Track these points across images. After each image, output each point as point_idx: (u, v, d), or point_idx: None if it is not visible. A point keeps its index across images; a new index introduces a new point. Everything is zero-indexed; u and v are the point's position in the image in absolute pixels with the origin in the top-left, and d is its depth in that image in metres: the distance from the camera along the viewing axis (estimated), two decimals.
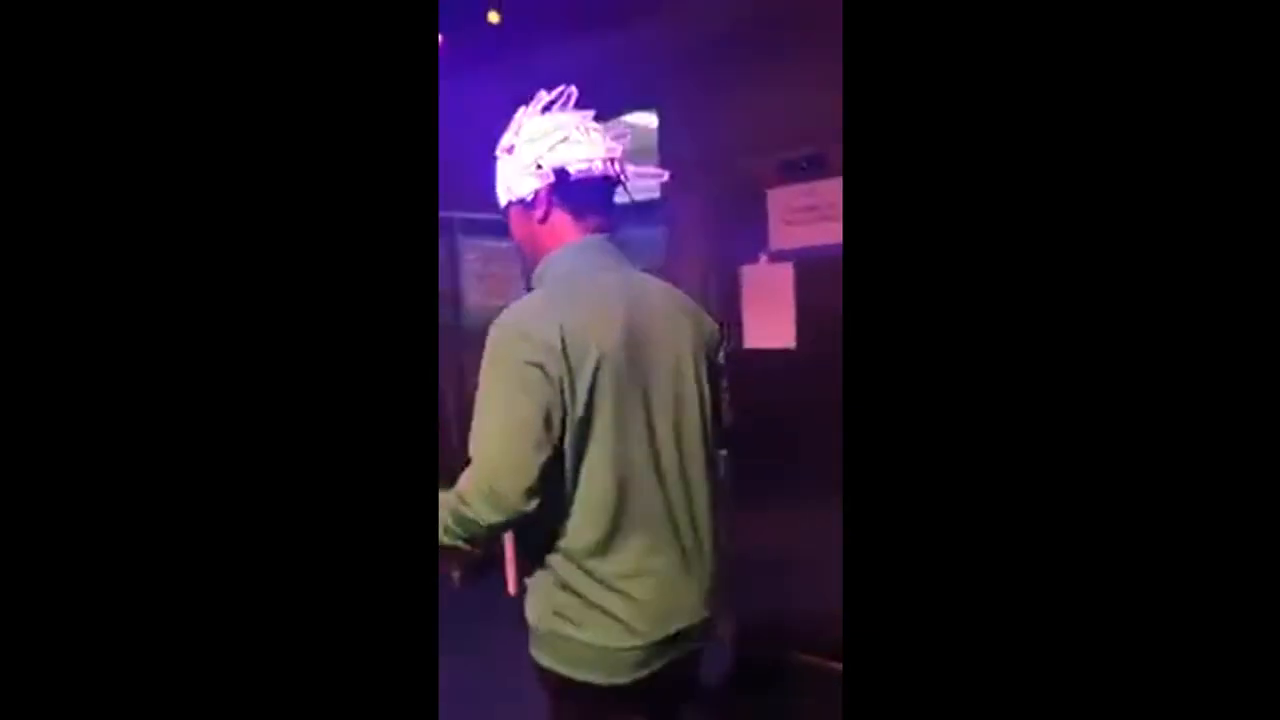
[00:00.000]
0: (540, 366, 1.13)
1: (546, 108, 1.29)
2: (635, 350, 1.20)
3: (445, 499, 1.15)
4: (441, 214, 3.47)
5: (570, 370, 1.14)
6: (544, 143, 1.24)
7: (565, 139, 1.24)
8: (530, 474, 1.11)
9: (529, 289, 1.29)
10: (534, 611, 1.26)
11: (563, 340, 1.14)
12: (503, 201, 1.33)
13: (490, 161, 1.35)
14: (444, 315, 3.54)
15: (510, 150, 1.28)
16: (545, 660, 1.25)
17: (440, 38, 3.50)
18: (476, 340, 1.23)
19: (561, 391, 1.14)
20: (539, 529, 1.20)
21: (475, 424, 1.15)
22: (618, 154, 1.29)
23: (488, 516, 1.12)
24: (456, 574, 3.61)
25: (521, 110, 1.30)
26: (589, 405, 1.16)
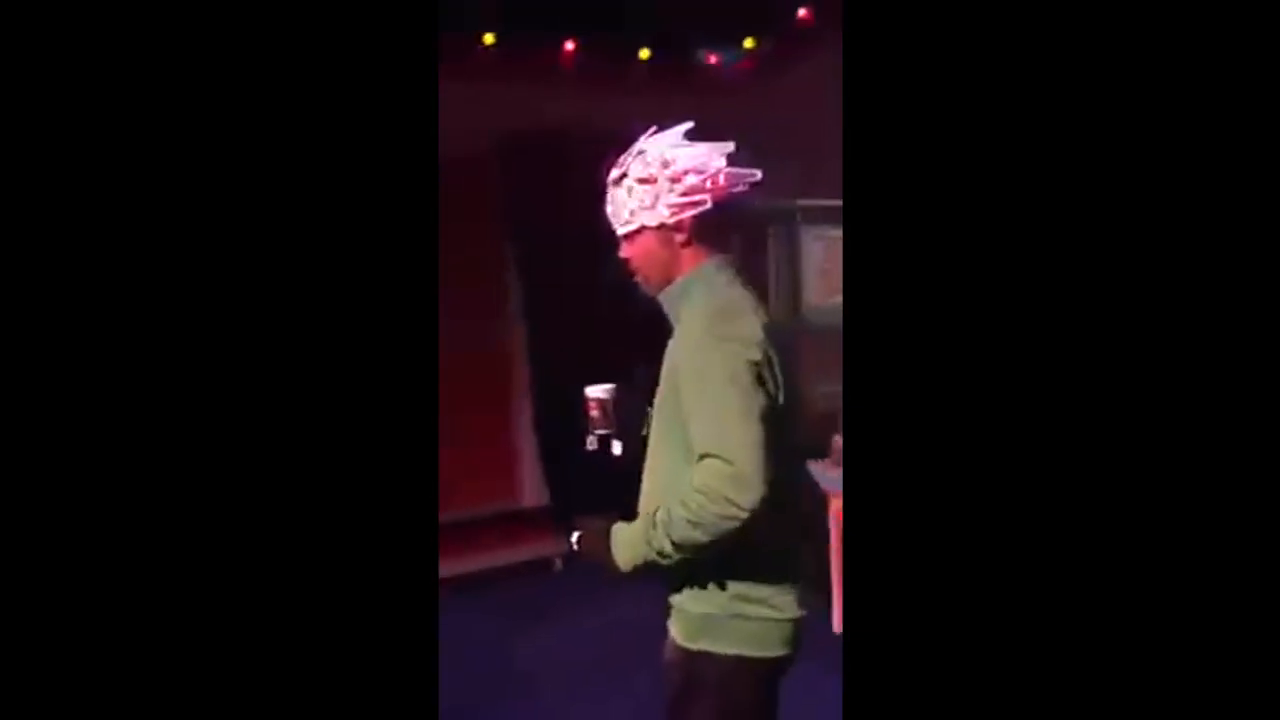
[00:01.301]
0: (759, 365, 1.27)
1: (688, 137, 1.40)
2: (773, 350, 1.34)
3: (673, 514, 1.24)
4: (783, 202, 3.17)
5: (770, 367, 1.29)
6: (701, 173, 1.37)
7: (721, 170, 1.37)
8: (772, 462, 1.22)
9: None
10: (707, 601, 1.33)
11: (764, 340, 1.29)
12: (634, 225, 1.41)
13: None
14: (780, 314, 3.21)
15: (653, 179, 1.38)
16: (722, 646, 1.32)
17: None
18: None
19: (767, 386, 1.28)
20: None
21: (710, 421, 1.25)
22: (757, 178, 1.41)
23: (747, 501, 1.19)
24: None
25: (646, 139, 1.41)
26: (775, 398, 1.30)
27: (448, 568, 3.56)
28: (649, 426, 1.51)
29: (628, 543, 1.31)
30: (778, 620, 1.33)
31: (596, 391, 1.56)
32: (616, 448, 1.67)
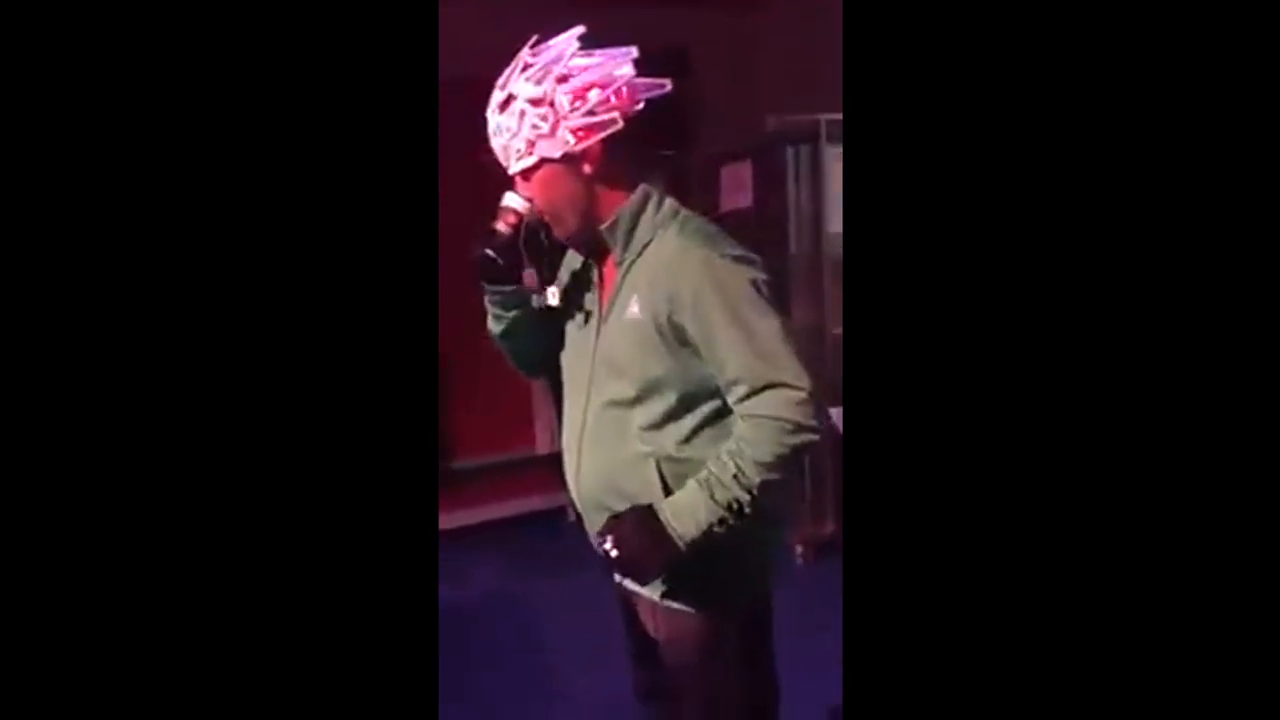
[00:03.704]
0: (767, 285, 1.18)
1: (585, 48, 1.18)
2: None
3: (743, 458, 1.15)
4: (804, 118, 2.89)
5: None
6: (605, 85, 1.16)
7: (627, 81, 1.18)
8: None
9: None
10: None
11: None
12: (532, 158, 1.19)
13: None
14: (800, 244, 2.96)
15: (548, 100, 1.16)
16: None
17: None
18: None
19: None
20: None
21: (757, 348, 1.15)
22: (666, 89, 1.22)
23: (820, 421, 1.15)
24: (801, 549, 3.14)
25: (530, 51, 1.18)
26: None
27: (463, 516, 3.53)
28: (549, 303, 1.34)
29: (687, 510, 1.16)
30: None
31: (517, 201, 1.22)
32: (552, 296, 1.34)
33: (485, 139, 1.23)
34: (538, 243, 1.24)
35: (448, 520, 3.46)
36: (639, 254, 1.22)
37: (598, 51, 1.18)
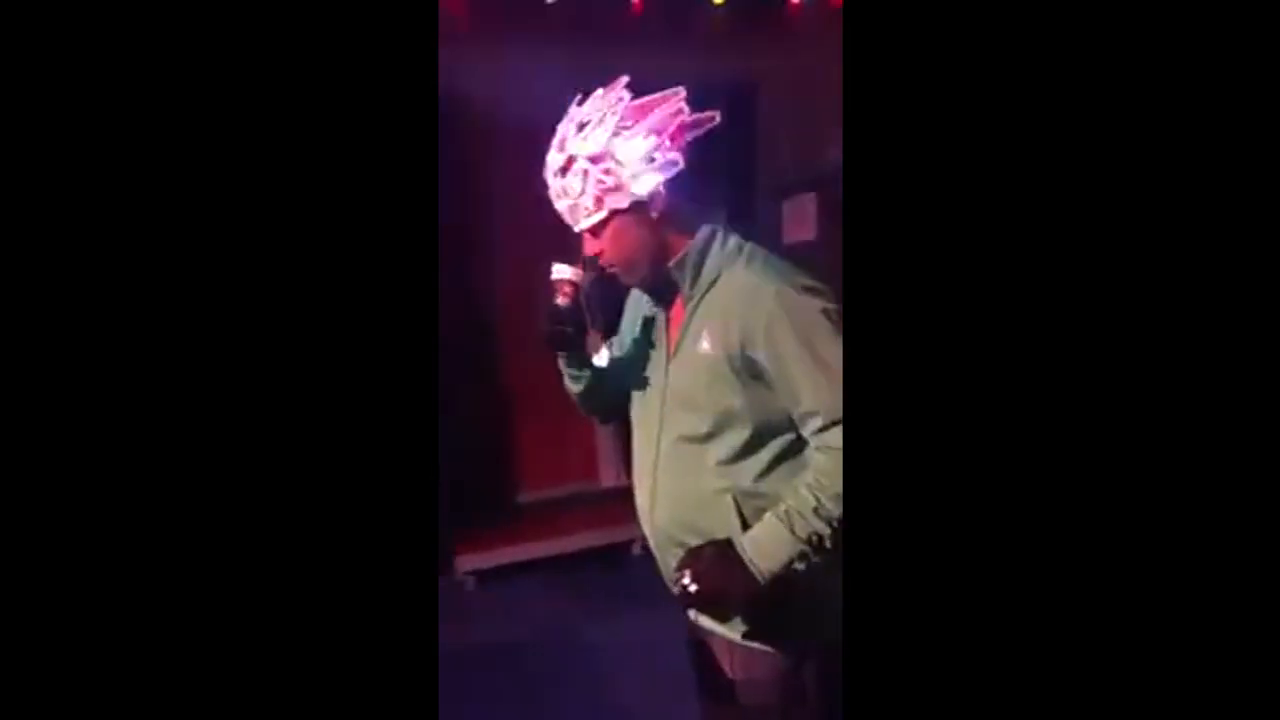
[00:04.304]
0: (838, 314, 1.15)
1: (636, 95, 1.19)
2: None
3: (824, 492, 1.13)
4: None
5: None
6: (660, 131, 1.17)
7: (679, 121, 1.18)
8: None
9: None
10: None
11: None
12: (602, 213, 1.19)
13: None
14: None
15: (608, 154, 1.16)
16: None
17: None
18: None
19: None
20: None
21: (824, 381, 1.12)
22: (715, 122, 1.23)
23: None
24: None
25: (580, 104, 1.19)
26: None
27: (527, 550, 3.54)
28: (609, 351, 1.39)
29: (768, 544, 1.14)
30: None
31: (567, 270, 1.25)
32: (602, 356, 1.38)
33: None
34: (596, 302, 1.28)
35: (512, 554, 3.49)
36: (707, 289, 1.22)
37: (647, 98, 1.19)
